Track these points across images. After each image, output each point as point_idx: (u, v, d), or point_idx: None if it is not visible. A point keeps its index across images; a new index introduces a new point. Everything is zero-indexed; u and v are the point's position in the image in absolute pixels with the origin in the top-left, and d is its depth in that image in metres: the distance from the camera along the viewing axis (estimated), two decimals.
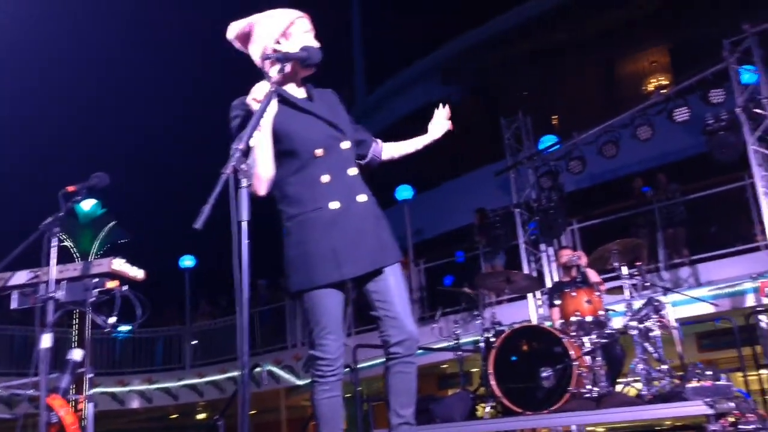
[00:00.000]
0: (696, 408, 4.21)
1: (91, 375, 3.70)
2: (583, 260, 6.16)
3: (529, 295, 9.52)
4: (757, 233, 8.80)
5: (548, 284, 9.18)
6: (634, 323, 5.11)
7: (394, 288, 2.47)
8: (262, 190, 2.34)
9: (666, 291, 5.90)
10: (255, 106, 2.26)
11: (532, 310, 9.57)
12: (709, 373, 4.55)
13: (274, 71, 2.28)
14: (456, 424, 5.28)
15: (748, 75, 7.85)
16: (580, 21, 14.80)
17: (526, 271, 9.84)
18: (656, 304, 5.31)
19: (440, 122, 2.82)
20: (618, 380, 5.58)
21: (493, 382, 5.09)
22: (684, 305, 7.48)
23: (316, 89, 2.62)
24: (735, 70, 7.89)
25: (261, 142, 2.30)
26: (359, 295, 2.55)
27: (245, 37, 2.53)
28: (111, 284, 3.51)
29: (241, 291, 1.85)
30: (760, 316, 7.65)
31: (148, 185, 26.26)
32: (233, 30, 2.55)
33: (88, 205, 13.33)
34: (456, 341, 6.39)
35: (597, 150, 9.34)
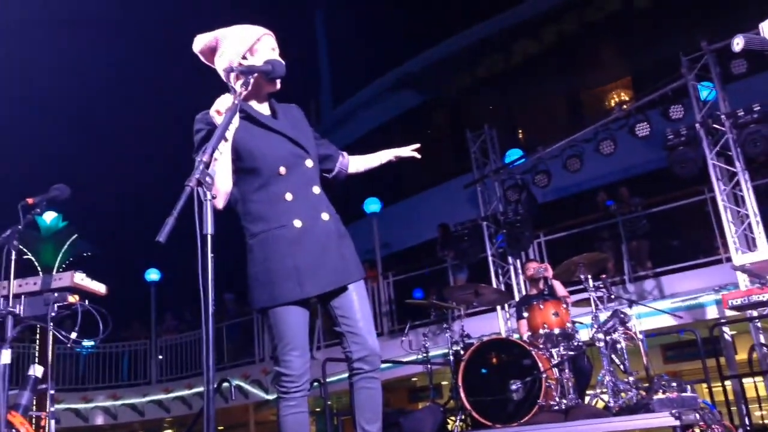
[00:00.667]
0: (663, 419, 4.26)
1: (52, 391, 3.61)
2: (549, 272, 6.22)
3: (498, 308, 9.57)
4: (718, 246, 8.98)
5: (517, 297, 9.23)
6: (600, 335, 5.17)
7: (356, 304, 2.49)
8: (219, 203, 2.30)
9: (631, 303, 5.97)
10: (218, 119, 2.24)
11: (501, 322, 9.61)
12: (674, 384, 4.61)
13: (238, 85, 2.28)
14: None
15: (706, 91, 8.04)
16: (542, 36, 15.04)
17: (494, 283, 9.89)
18: (622, 316, 5.39)
19: (408, 152, 2.86)
20: (586, 392, 5.63)
21: (462, 395, 5.10)
22: (649, 317, 7.59)
23: (281, 104, 2.62)
24: (694, 87, 8.07)
25: (221, 156, 2.27)
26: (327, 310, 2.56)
27: (211, 51, 2.53)
28: (72, 299, 3.45)
29: (206, 305, 1.83)
30: (724, 328, 7.81)
31: (111, 197, 25.83)
32: (199, 43, 2.55)
33: (49, 217, 13.06)
34: (425, 354, 6.38)
35: (562, 164, 9.47)
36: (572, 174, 9.58)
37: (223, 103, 2.28)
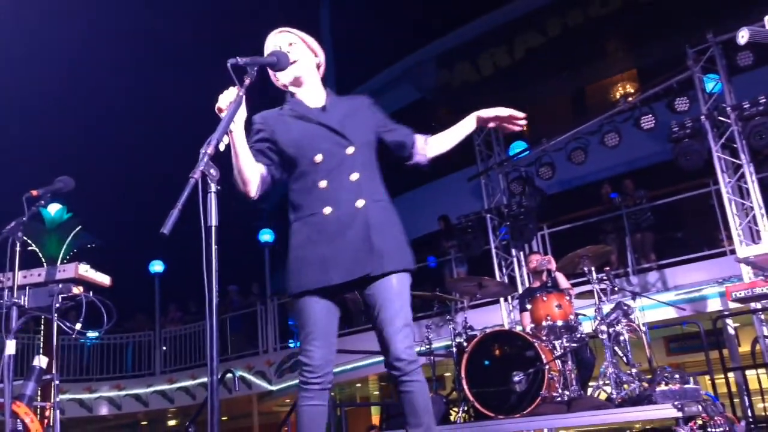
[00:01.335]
0: (665, 411, 4.27)
1: (57, 382, 3.63)
2: (552, 264, 6.22)
3: (501, 300, 9.58)
4: (722, 238, 8.97)
5: (520, 289, 9.24)
6: (603, 327, 5.18)
7: (386, 302, 2.37)
8: (252, 191, 2.36)
9: (635, 295, 5.97)
10: (224, 104, 2.19)
11: (504, 314, 9.62)
12: (677, 376, 4.62)
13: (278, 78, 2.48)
14: None
15: (712, 83, 8.01)
16: (547, 29, 14.96)
17: (497, 276, 9.89)
18: (625, 308, 5.39)
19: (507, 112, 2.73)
20: (589, 384, 5.64)
21: (465, 386, 5.10)
22: (652, 309, 7.59)
23: (344, 96, 2.65)
24: (699, 79, 8.03)
25: (235, 147, 2.26)
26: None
27: None
28: (77, 290, 3.46)
29: (210, 296, 1.83)
30: (727, 320, 7.81)
31: (116, 189, 25.88)
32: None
33: (53, 209, 13.11)
34: (428, 346, 6.39)
35: (566, 156, 9.46)
36: (577, 166, 9.56)
37: (227, 96, 2.25)
